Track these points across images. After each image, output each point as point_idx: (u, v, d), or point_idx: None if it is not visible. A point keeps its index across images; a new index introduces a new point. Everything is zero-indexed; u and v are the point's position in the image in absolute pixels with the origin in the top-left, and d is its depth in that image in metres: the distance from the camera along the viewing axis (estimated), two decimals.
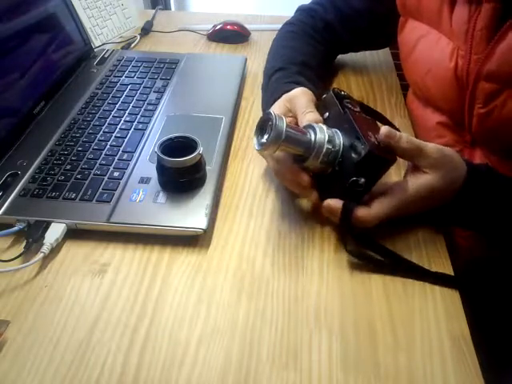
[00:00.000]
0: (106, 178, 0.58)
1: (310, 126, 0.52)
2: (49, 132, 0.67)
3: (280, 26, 0.82)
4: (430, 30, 0.64)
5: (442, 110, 0.67)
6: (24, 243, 0.51)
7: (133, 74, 0.81)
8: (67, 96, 0.76)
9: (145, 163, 0.61)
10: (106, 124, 0.69)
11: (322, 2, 0.79)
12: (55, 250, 0.52)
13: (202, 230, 0.52)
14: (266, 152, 0.52)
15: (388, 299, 0.48)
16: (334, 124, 0.53)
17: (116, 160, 0.61)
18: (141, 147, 0.64)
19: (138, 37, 0.98)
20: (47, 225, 0.53)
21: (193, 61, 0.86)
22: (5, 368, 0.42)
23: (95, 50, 0.90)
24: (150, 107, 0.73)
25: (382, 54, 0.92)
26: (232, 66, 0.85)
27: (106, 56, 0.87)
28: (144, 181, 0.58)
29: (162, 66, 0.84)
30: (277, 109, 0.58)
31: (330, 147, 0.50)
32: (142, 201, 0.55)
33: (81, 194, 0.56)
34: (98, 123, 0.69)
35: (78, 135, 0.66)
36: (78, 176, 0.59)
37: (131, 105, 0.73)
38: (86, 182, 0.58)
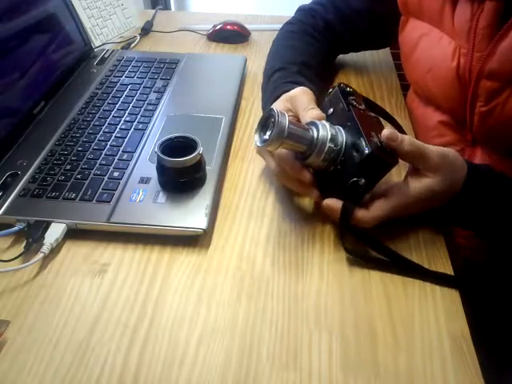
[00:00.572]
0: (106, 178, 0.58)
1: (312, 123, 0.51)
2: (49, 132, 0.67)
3: (280, 26, 0.82)
4: (431, 29, 0.64)
5: (443, 108, 0.67)
6: (24, 243, 0.51)
7: (133, 74, 0.81)
8: (67, 96, 0.76)
9: (145, 163, 0.61)
10: (106, 124, 0.69)
11: (323, 1, 0.79)
12: (55, 250, 0.52)
13: (202, 230, 0.52)
14: (269, 148, 0.51)
15: (388, 299, 0.48)
16: (337, 121, 0.52)
17: (116, 160, 0.61)
18: (141, 147, 0.64)
19: (138, 37, 0.98)
20: (47, 225, 0.53)
21: (193, 61, 0.86)
22: (5, 368, 0.42)
23: (95, 49, 0.90)
24: (150, 107, 0.73)
25: (382, 54, 0.92)
26: (232, 66, 0.85)
27: (106, 56, 0.87)
28: (144, 181, 0.58)
29: (162, 66, 0.84)
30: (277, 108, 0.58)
31: (333, 145, 0.49)
32: (142, 201, 0.55)
33: (81, 194, 0.56)
34: (98, 123, 0.69)
35: (78, 135, 0.66)
36: (78, 176, 0.59)
37: (131, 105, 0.73)
38: (86, 182, 0.58)
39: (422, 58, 0.66)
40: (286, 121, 0.48)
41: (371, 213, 0.49)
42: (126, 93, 0.76)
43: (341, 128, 0.51)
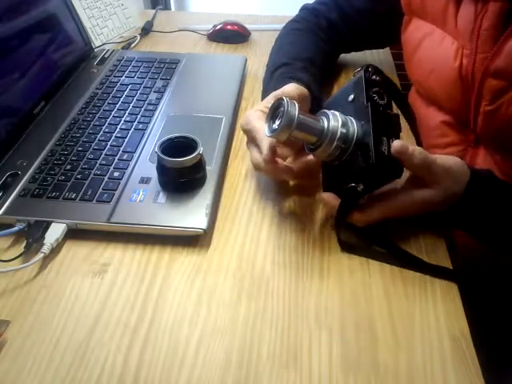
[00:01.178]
0: (106, 178, 0.58)
1: (323, 113, 0.50)
2: (49, 132, 0.67)
3: (280, 25, 0.82)
4: (434, 29, 0.64)
5: (445, 109, 0.67)
6: (24, 243, 0.51)
7: (133, 74, 0.81)
8: (67, 96, 0.76)
9: (145, 163, 0.61)
10: (106, 124, 0.69)
11: (326, 1, 0.79)
12: (55, 250, 0.52)
13: (202, 230, 0.52)
14: (278, 138, 0.49)
15: (388, 299, 0.48)
16: (355, 111, 0.50)
17: (116, 160, 0.61)
18: (141, 147, 0.64)
19: (138, 37, 0.98)
20: (47, 225, 0.53)
21: (193, 61, 0.86)
22: (5, 368, 0.42)
23: (95, 50, 0.90)
24: (150, 107, 0.73)
25: (383, 54, 0.92)
26: (232, 66, 0.85)
27: (106, 56, 0.87)
28: (144, 181, 0.58)
29: (162, 66, 0.84)
30: (264, 104, 0.58)
31: (343, 137, 0.48)
32: (142, 201, 0.55)
33: (81, 194, 0.56)
34: (98, 123, 0.69)
35: (78, 135, 0.66)
36: (78, 176, 0.59)
37: (131, 105, 0.73)
38: (86, 182, 0.58)
39: (425, 58, 0.66)
40: (295, 110, 0.47)
41: (366, 215, 0.50)
42: (126, 93, 0.76)
43: (354, 121, 0.49)
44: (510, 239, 0.55)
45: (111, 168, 0.60)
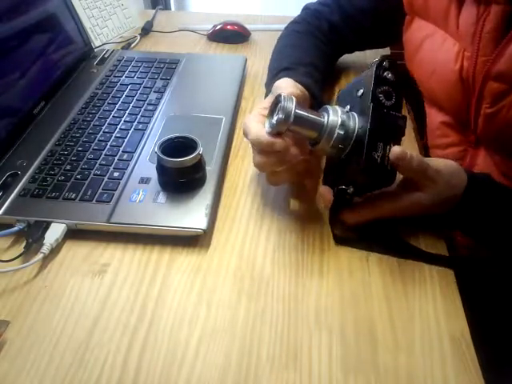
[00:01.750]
0: (105, 179, 0.58)
1: (324, 109, 0.50)
2: (49, 132, 0.67)
3: (280, 25, 0.81)
4: (436, 30, 0.63)
5: (446, 110, 0.67)
6: (24, 243, 0.51)
7: (133, 74, 0.81)
8: (67, 96, 0.76)
9: (145, 163, 0.61)
10: (106, 124, 0.69)
11: (328, 2, 0.79)
12: (55, 251, 0.52)
13: (202, 230, 0.52)
14: (278, 130, 0.49)
15: (388, 299, 0.48)
16: (360, 107, 0.49)
17: (116, 160, 0.61)
18: (141, 147, 0.64)
19: (138, 37, 0.98)
20: (47, 225, 0.53)
21: (193, 61, 0.86)
22: (4, 368, 0.42)
23: (95, 50, 0.90)
24: (150, 107, 0.73)
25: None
26: (232, 66, 0.85)
27: (106, 56, 0.87)
28: (144, 181, 0.58)
29: (162, 66, 0.84)
30: (262, 105, 0.58)
31: (342, 133, 0.48)
32: (142, 201, 0.55)
33: (81, 194, 0.56)
34: (98, 123, 0.69)
35: (78, 135, 0.66)
36: (78, 176, 0.59)
37: (131, 105, 0.73)
38: (86, 182, 0.58)
39: (426, 59, 0.66)
40: (292, 105, 0.47)
41: (356, 214, 0.51)
42: (126, 93, 0.76)
43: (356, 118, 0.49)
44: (509, 242, 0.55)
45: (111, 168, 0.60)
